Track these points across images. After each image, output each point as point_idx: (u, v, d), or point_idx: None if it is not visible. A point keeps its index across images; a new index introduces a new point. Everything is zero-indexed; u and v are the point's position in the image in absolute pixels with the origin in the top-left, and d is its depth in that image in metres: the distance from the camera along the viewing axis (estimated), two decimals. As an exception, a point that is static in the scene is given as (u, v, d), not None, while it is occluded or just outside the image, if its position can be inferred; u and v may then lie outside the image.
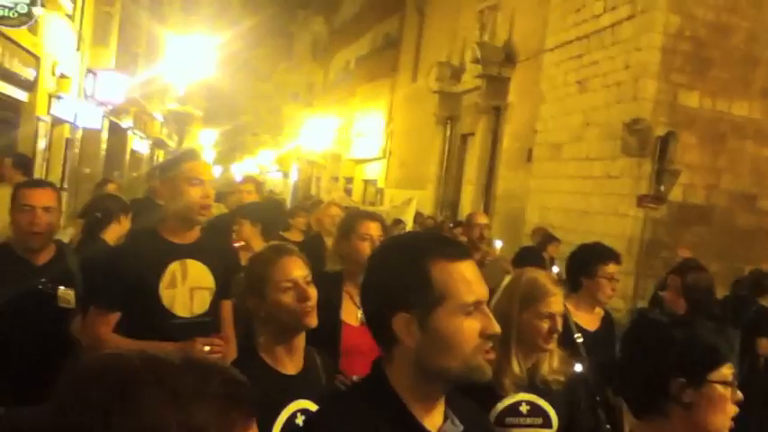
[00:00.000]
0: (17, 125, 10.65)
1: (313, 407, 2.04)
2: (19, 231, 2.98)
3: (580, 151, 11.72)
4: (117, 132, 18.60)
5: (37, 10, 7.95)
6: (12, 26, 8.15)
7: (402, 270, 1.33)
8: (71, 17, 12.67)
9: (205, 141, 39.40)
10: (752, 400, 2.17)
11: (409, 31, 23.38)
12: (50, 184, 3.25)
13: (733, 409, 1.63)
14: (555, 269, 6.69)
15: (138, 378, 0.77)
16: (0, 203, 5.25)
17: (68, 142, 13.61)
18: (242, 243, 4.36)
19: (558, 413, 2.36)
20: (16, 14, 7.73)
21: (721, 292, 6.06)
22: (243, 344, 2.83)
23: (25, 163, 6.36)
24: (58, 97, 11.99)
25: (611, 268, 3.43)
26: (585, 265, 3.48)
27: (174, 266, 2.75)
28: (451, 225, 11.04)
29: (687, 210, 10.29)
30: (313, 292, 2.15)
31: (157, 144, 26.21)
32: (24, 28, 8.75)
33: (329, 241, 5.26)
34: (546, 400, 2.36)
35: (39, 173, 10.56)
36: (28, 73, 10.36)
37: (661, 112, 10.13)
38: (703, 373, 1.59)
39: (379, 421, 1.30)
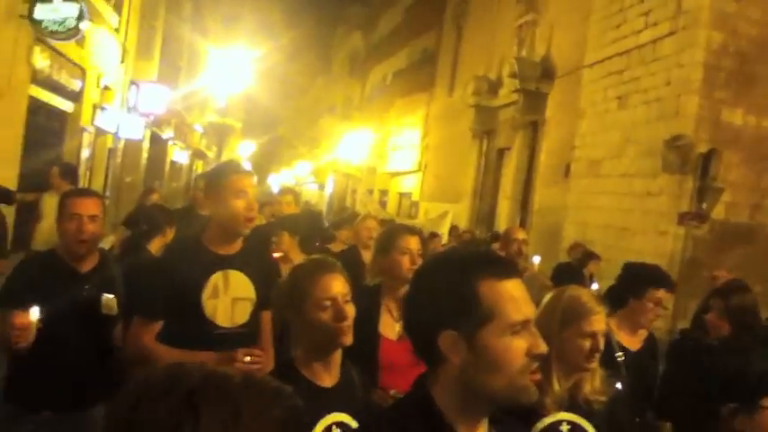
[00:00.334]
0: (63, 135, 10.91)
1: (349, 420, 2.03)
2: (65, 239, 3.04)
3: (619, 168, 11.57)
4: (158, 143, 18.94)
5: (84, 24, 8.16)
6: (61, 39, 8.39)
7: (450, 287, 1.32)
8: (117, 30, 13.00)
9: (243, 152, 39.92)
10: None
11: (446, 46, 23.44)
12: (96, 193, 3.32)
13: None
14: (594, 286, 6.58)
15: (203, 393, 0.77)
16: (48, 211, 5.42)
17: (111, 152, 13.91)
18: (280, 254, 4.39)
19: (599, 433, 2.32)
20: (65, 28, 7.95)
21: (765, 314, 5.89)
22: (279, 353, 2.83)
23: (71, 172, 6.52)
24: (102, 108, 12.27)
25: (660, 294, 3.33)
26: (636, 284, 3.38)
27: (217, 277, 2.77)
28: (488, 239, 10.95)
29: (730, 229, 10.06)
30: (351, 311, 2.14)
31: (197, 155, 26.65)
32: (72, 41, 9.01)
33: (365, 254, 5.29)
34: (587, 421, 2.32)
35: (82, 182, 10.81)
36: (74, 84, 10.63)
37: (703, 130, 9.94)
38: (756, 400, 1.55)
39: (423, 440, 1.28)
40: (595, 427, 2.33)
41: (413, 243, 3.10)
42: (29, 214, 6.37)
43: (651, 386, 3.34)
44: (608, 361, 2.75)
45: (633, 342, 3.37)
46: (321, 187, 42.68)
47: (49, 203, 5.79)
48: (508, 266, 1.39)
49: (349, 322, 2.12)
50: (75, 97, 10.89)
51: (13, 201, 5.94)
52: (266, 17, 35.41)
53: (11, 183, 7.00)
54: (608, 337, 2.61)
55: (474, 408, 1.33)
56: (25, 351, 2.63)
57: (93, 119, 12.00)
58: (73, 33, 8.12)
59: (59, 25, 7.92)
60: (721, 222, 9.94)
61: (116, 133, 13.65)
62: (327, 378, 2.12)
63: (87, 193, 3.28)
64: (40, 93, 9.25)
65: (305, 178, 45.50)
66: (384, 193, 28.01)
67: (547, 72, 15.04)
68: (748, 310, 3.64)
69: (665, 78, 10.58)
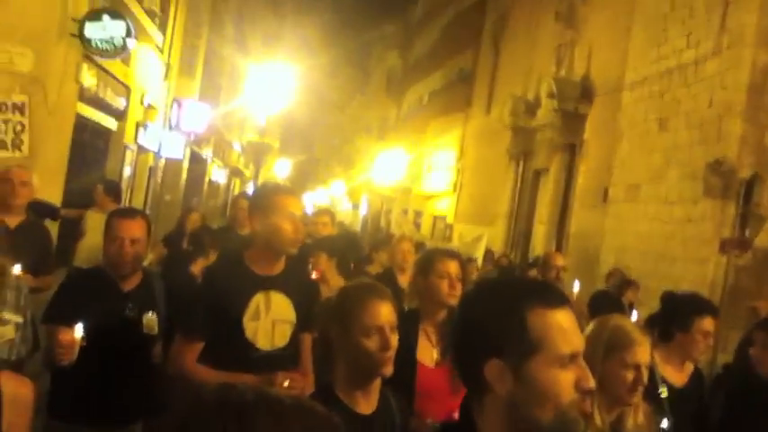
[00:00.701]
0: (107, 153, 11.13)
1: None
2: (107, 259, 3.12)
3: (660, 192, 11.36)
4: (198, 161, 19.19)
5: (131, 42, 8.34)
6: (109, 57, 8.58)
7: (498, 315, 1.30)
8: (160, 49, 13.27)
9: (280, 171, 40.32)
10: None
11: (484, 66, 23.42)
12: (141, 214, 3.35)
13: None
14: (634, 316, 6.43)
15: (254, 413, 0.78)
16: (93, 228, 5.52)
17: (152, 170, 14.12)
18: (317, 275, 4.41)
19: (641, 470, 2.26)
20: (113, 47, 8.13)
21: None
22: (319, 377, 2.83)
23: (115, 189, 6.64)
24: (145, 126, 12.50)
25: (707, 323, 3.23)
26: (680, 316, 3.27)
27: (259, 298, 2.78)
28: (526, 265, 10.81)
29: (774, 257, 9.79)
30: (395, 341, 2.13)
31: (234, 173, 26.96)
32: (118, 59, 9.22)
33: (401, 276, 5.29)
34: (630, 457, 2.26)
35: (123, 200, 11.00)
36: (119, 102, 10.85)
37: (747, 154, 9.72)
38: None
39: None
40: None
41: (452, 267, 3.07)
42: (72, 230, 6.50)
43: (698, 428, 3.23)
44: (651, 397, 2.68)
45: (679, 377, 3.27)
46: (355, 207, 42.84)
47: (93, 220, 5.90)
48: (559, 296, 1.36)
49: (392, 352, 2.11)
50: (120, 115, 11.11)
51: (58, 217, 6.07)
52: (306, 36, 35.97)
53: (56, 199, 7.13)
54: (651, 372, 2.55)
55: None
56: (68, 367, 2.68)
57: (135, 137, 12.23)
58: (120, 51, 8.29)
59: (108, 44, 8.11)
60: (764, 250, 9.68)
61: (158, 152, 13.87)
62: (366, 405, 2.12)
63: (132, 214, 3.28)
64: (86, 110, 9.47)
65: (339, 198, 45.70)
66: (419, 214, 27.98)
67: (586, 92, 14.87)
68: (796, 343, 3.53)
69: (707, 100, 10.38)
